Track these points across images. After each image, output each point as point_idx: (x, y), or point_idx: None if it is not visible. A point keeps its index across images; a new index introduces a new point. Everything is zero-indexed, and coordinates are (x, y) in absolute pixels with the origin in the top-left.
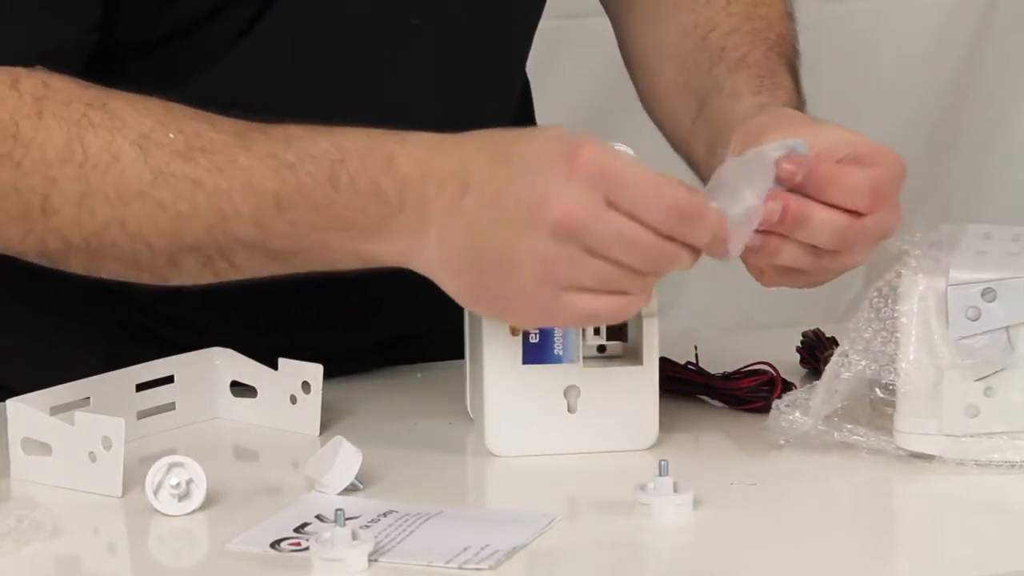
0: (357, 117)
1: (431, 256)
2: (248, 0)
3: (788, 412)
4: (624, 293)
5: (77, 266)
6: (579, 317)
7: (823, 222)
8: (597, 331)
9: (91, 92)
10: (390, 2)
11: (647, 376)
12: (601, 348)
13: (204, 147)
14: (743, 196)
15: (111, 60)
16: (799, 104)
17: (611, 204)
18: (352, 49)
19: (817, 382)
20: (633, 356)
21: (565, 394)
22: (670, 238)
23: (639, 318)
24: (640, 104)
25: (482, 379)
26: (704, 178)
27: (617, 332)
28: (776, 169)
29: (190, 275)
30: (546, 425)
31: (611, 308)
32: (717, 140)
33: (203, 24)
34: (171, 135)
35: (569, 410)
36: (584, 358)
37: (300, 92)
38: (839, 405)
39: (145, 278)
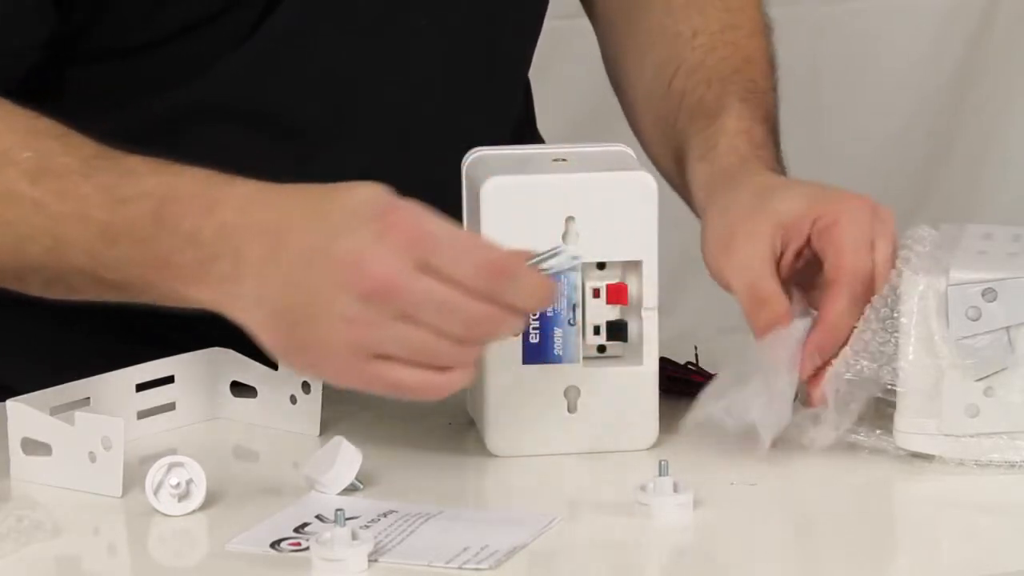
0: (361, 118)
1: (246, 306)
2: (250, 4)
3: (808, 427)
4: (442, 369)
5: None
6: (387, 387)
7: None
8: (597, 331)
9: None
10: (398, 3)
11: (647, 376)
12: (601, 348)
13: (51, 170)
14: (777, 379)
15: (107, 60)
16: (747, 142)
17: (424, 267)
18: (358, 50)
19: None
20: (633, 356)
21: (565, 394)
22: (489, 301)
23: (639, 318)
24: None
25: (482, 379)
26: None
27: (617, 332)
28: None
29: (38, 292)
30: (546, 425)
31: (422, 383)
32: (697, 205)
33: (203, 27)
34: (26, 155)
35: (569, 410)
36: (584, 358)
37: (304, 93)
38: (855, 418)
39: (5, 285)
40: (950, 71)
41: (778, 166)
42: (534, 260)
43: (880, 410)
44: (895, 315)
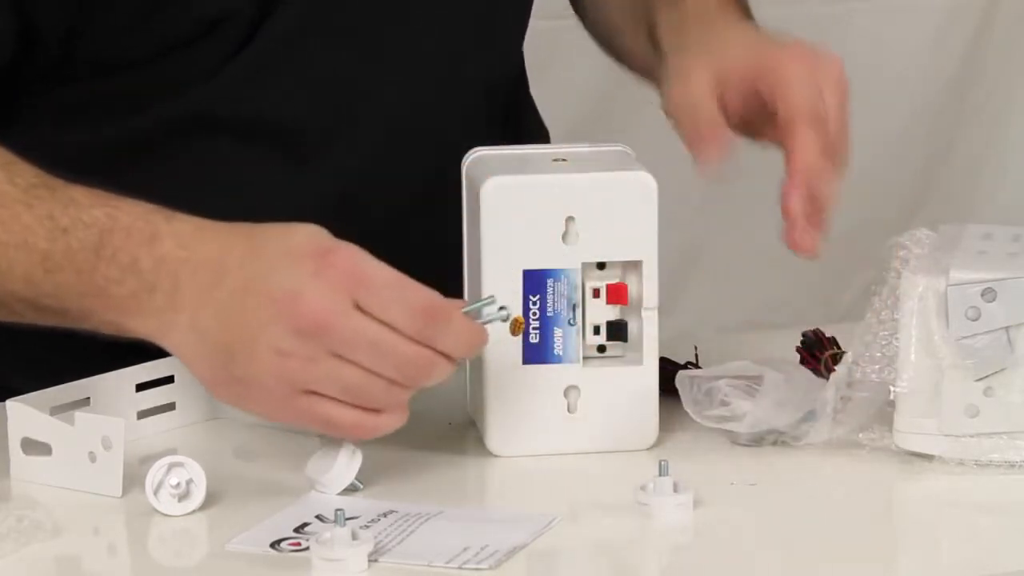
0: (359, 119)
1: (180, 338)
2: (240, 18)
3: (801, 423)
4: (374, 410)
5: None
6: (317, 422)
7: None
8: (597, 331)
9: None
10: (394, 4)
11: (647, 376)
12: (602, 348)
13: None
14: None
15: (101, 74)
16: None
17: (359, 307)
18: (355, 53)
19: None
20: (633, 356)
21: (565, 394)
22: (421, 344)
23: (639, 318)
24: (640, 104)
25: (482, 379)
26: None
27: (617, 332)
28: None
29: None
30: (546, 425)
31: (353, 421)
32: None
33: (194, 42)
34: None
35: (569, 410)
36: (584, 358)
37: (301, 98)
38: (855, 426)
39: None
40: (950, 71)
41: (746, 15)
42: (468, 308)
43: (880, 410)
44: (895, 316)
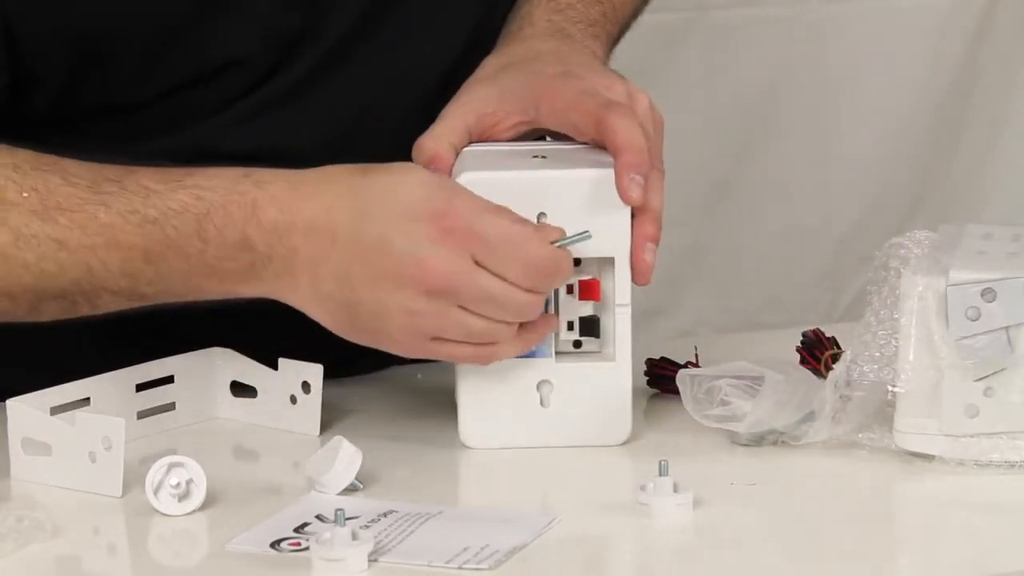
0: (361, 145)
1: (303, 296)
2: (252, 65)
3: (800, 423)
4: (490, 343)
5: None
6: (443, 357)
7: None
8: (571, 327)
9: None
10: (401, 37)
11: (620, 373)
12: (578, 344)
13: (60, 204)
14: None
15: (101, 115)
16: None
17: (479, 263)
18: (362, 89)
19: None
20: (608, 352)
21: (538, 388)
22: (534, 292)
23: (612, 314)
24: None
25: (456, 371)
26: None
27: (589, 328)
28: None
29: (51, 317)
30: (519, 418)
31: (475, 356)
32: None
33: (201, 86)
34: (25, 194)
35: (542, 404)
36: (557, 353)
37: (305, 132)
38: (854, 424)
39: (4, 319)
40: (950, 71)
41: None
42: (565, 241)
43: (880, 410)
44: (895, 316)
